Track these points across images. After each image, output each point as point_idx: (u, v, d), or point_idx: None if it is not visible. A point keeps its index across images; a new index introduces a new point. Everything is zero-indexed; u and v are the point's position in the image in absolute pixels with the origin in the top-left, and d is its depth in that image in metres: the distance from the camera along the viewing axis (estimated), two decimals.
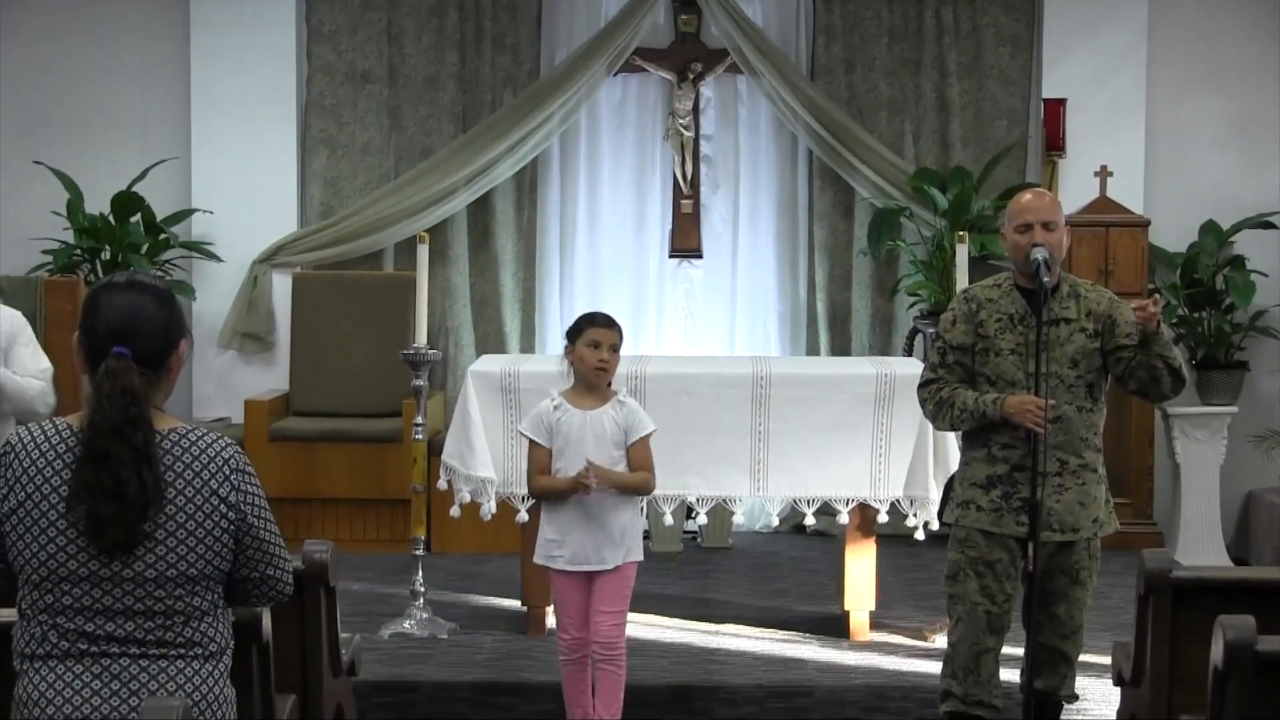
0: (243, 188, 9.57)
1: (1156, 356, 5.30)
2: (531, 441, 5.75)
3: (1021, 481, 5.30)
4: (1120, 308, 5.44)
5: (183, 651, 3.40)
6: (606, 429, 5.67)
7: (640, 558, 5.78)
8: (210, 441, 3.43)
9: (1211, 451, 9.09)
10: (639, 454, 5.71)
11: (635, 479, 5.68)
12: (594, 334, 5.70)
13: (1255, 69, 9.60)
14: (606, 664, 5.72)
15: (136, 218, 9.25)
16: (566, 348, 5.78)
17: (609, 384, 5.78)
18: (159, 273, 9.16)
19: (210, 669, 3.44)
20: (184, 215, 9.50)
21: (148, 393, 3.37)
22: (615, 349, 5.73)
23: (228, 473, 3.42)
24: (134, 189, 9.22)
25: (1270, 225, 9.25)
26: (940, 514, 6.84)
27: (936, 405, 5.45)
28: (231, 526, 3.43)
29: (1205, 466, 9.09)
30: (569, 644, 5.76)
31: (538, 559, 5.83)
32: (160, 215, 9.33)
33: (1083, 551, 5.41)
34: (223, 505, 3.41)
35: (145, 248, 9.20)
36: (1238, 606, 4.19)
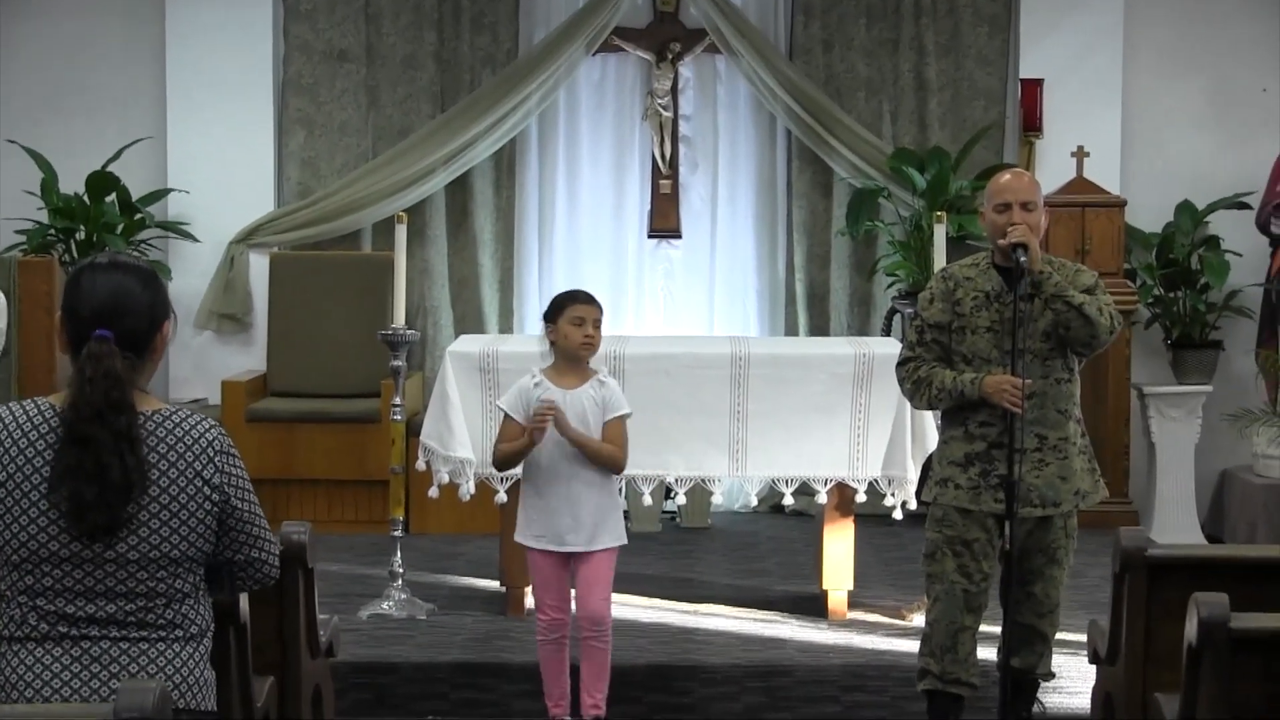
0: (219, 167, 9.54)
1: (1054, 299, 5.28)
2: (506, 415, 5.77)
3: (999, 459, 5.32)
4: (1081, 275, 5.42)
5: (163, 634, 3.40)
6: (586, 407, 5.71)
7: (624, 541, 5.81)
8: (194, 423, 3.43)
9: (1186, 430, 9.13)
10: (613, 432, 5.74)
11: (603, 448, 5.71)
12: (578, 310, 5.72)
13: (1231, 50, 9.62)
14: (594, 641, 5.74)
15: (112, 197, 9.21)
16: (548, 326, 5.78)
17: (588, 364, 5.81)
18: (135, 253, 9.13)
19: (191, 651, 3.44)
20: (160, 195, 9.47)
21: (130, 376, 3.36)
22: (598, 325, 5.76)
23: (211, 454, 3.42)
24: (109, 168, 9.19)
25: (1245, 205, 9.27)
26: (918, 493, 6.86)
27: (915, 384, 5.46)
28: (214, 508, 3.43)
29: (1180, 445, 9.13)
30: (547, 624, 5.78)
31: (518, 538, 5.84)
32: (136, 195, 9.30)
33: (1059, 530, 5.43)
34: (206, 487, 3.40)
35: (120, 228, 9.17)
36: (1212, 584, 4.21)
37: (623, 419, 5.77)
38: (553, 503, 5.71)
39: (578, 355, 5.74)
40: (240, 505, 3.47)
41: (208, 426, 3.44)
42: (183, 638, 3.43)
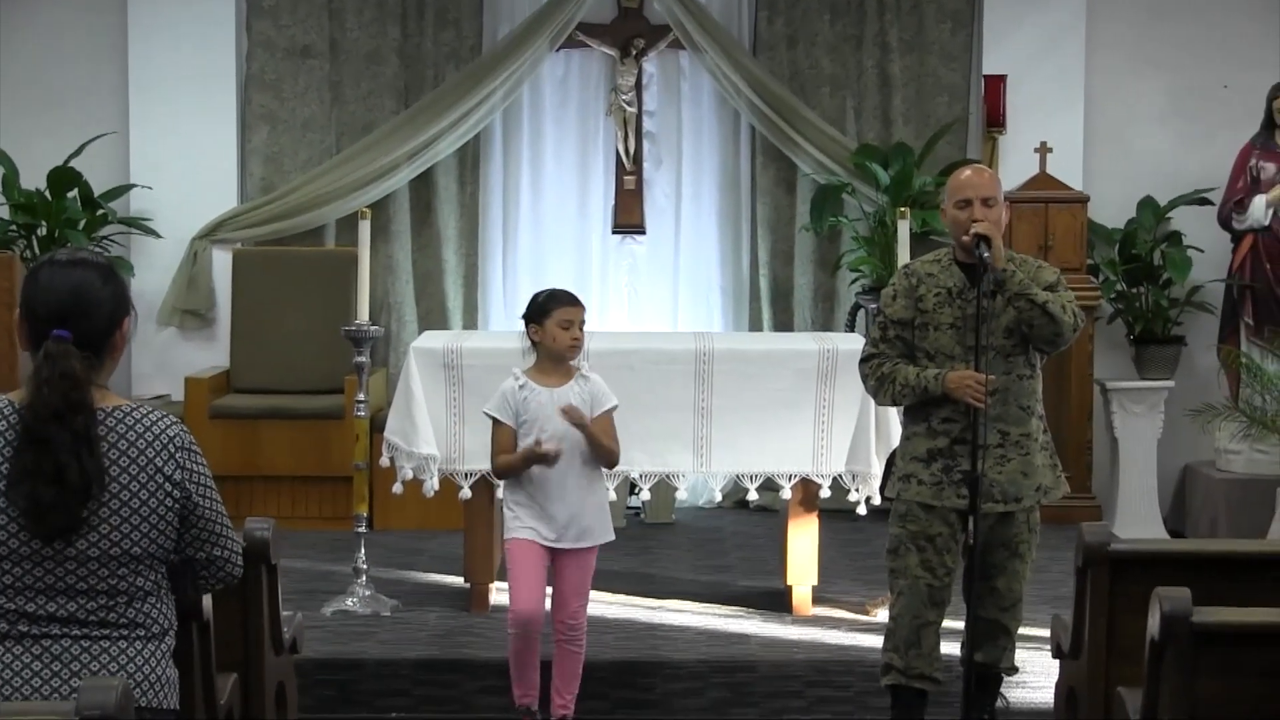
0: (182, 163, 9.50)
1: (1017, 297, 5.30)
2: (496, 422, 5.76)
3: (962, 455, 5.33)
4: (1043, 272, 5.44)
5: (125, 633, 3.39)
6: (573, 404, 5.69)
7: (610, 538, 5.83)
8: (155, 419, 3.41)
9: (1149, 425, 9.17)
10: (604, 426, 5.75)
11: (606, 441, 5.73)
12: (566, 314, 5.74)
13: (1193, 46, 9.66)
14: (569, 644, 5.76)
15: (74, 193, 9.16)
16: (530, 327, 5.77)
17: None
18: (96, 249, 9.09)
19: (153, 650, 3.42)
20: (122, 191, 9.42)
21: (88, 375, 3.34)
22: (583, 325, 5.79)
23: (172, 450, 3.40)
24: (71, 164, 9.12)
25: (1207, 201, 9.32)
26: (882, 489, 6.87)
27: (878, 381, 5.47)
28: (176, 505, 3.41)
29: (1143, 440, 9.17)
30: (519, 618, 5.73)
31: (510, 534, 5.76)
32: (98, 190, 9.25)
33: (1022, 525, 5.45)
34: (167, 483, 3.39)
35: (83, 223, 9.12)
36: (1174, 579, 4.23)
37: (611, 412, 5.79)
38: (548, 500, 5.70)
39: (565, 357, 5.75)
40: (202, 502, 3.45)
41: (169, 423, 3.43)
42: (144, 636, 3.41)
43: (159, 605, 3.45)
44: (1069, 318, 5.31)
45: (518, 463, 5.69)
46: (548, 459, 5.62)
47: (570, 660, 5.77)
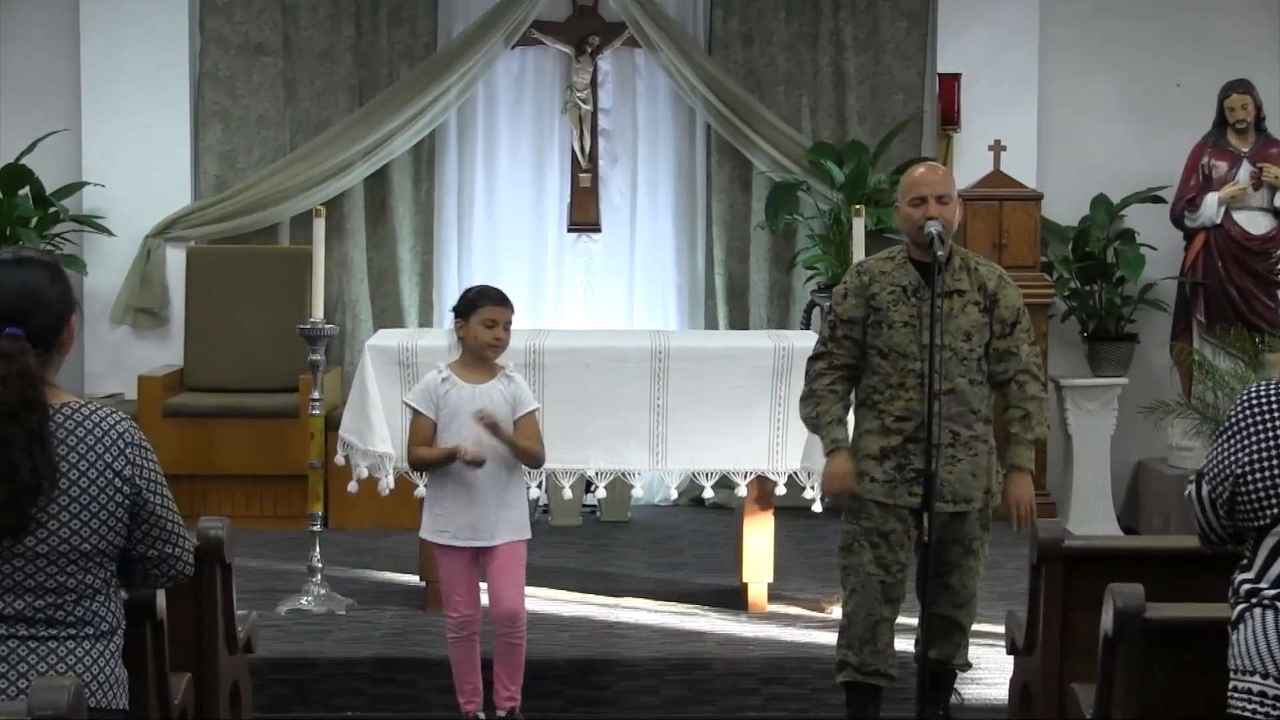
0: (135, 161, 9.45)
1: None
2: (416, 412, 5.75)
3: (915, 453, 5.34)
4: (1006, 288, 5.47)
5: (73, 631, 3.36)
6: (496, 403, 5.70)
7: (527, 535, 5.80)
8: (105, 416, 3.40)
9: (1102, 422, 9.21)
10: (529, 428, 5.76)
11: (529, 446, 5.73)
12: (491, 312, 5.72)
13: (1146, 44, 9.71)
14: (509, 638, 5.74)
15: (25, 191, 9.08)
16: (457, 321, 5.77)
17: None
18: (49, 247, 9.04)
19: (101, 649, 3.40)
20: (74, 188, 9.36)
21: (43, 374, 3.33)
22: (508, 326, 5.76)
23: (122, 446, 3.39)
24: (22, 161, 9.06)
25: (1160, 199, 9.36)
26: None
27: (809, 395, 5.51)
28: (126, 501, 3.39)
29: (1096, 437, 9.21)
30: (456, 621, 5.76)
31: (425, 535, 5.83)
32: (50, 188, 9.18)
33: (975, 521, 5.46)
34: (117, 479, 3.37)
35: (34, 221, 9.06)
36: (1128, 575, 4.25)
37: (534, 413, 5.79)
38: (460, 499, 5.70)
39: (485, 355, 5.74)
40: (152, 499, 3.44)
41: (118, 419, 3.41)
42: (93, 635, 3.39)
43: (107, 604, 3.43)
44: (1042, 384, 5.49)
45: (437, 460, 5.68)
46: (475, 464, 5.62)
47: (512, 654, 5.76)
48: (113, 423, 3.40)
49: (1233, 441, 3.75)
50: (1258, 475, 3.69)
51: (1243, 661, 3.69)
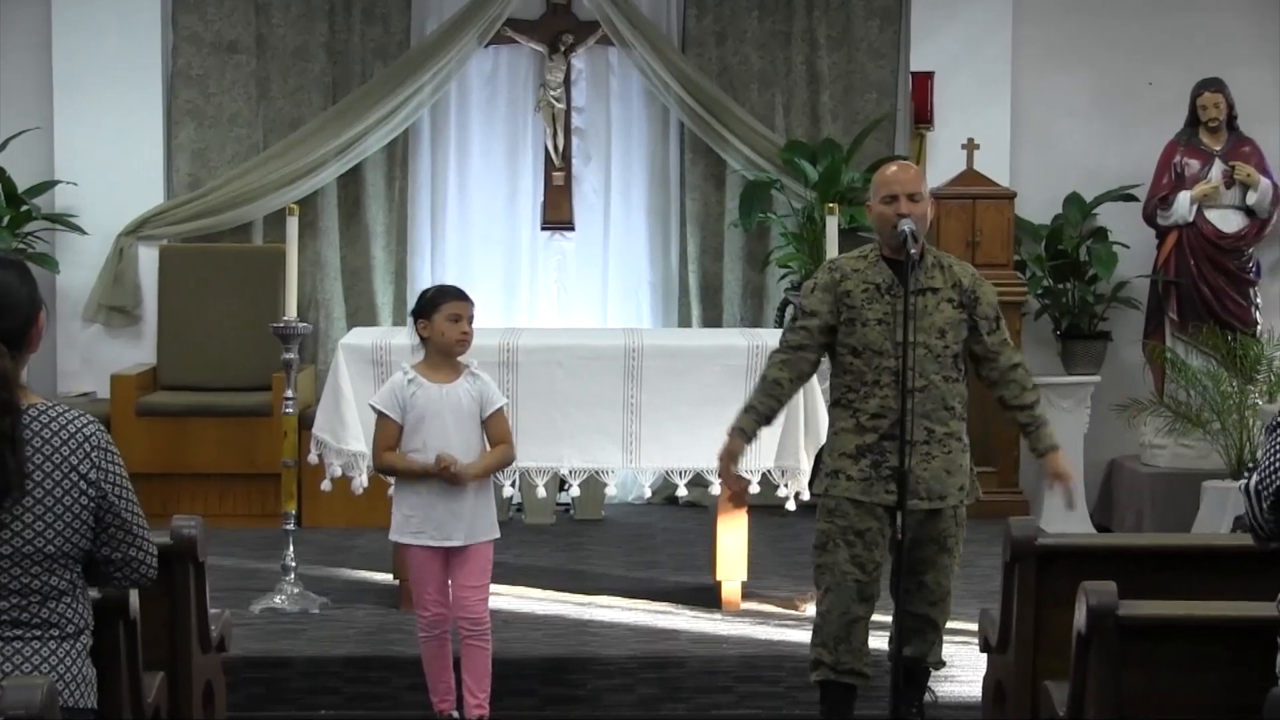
0: (107, 159, 9.42)
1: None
2: (381, 415, 5.74)
3: (890, 450, 5.34)
4: (983, 285, 5.48)
5: (39, 633, 3.35)
6: (464, 402, 5.69)
7: (497, 535, 5.79)
8: (72, 418, 3.39)
9: (1075, 420, 9.23)
10: (497, 427, 5.75)
11: (499, 458, 5.75)
12: (454, 308, 5.71)
13: (1118, 42, 9.74)
14: (474, 640, 5.72)
15: None
16: (419, 322, 5.76)
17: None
18: (21, 245, 9.01)
19: (68, 649, 3.39)
20: (47, 187, 9.33)
21: (17, 375, 3.32)
22: (472, 320, 5.76)
23: (89, 449, 3.38)
24: None
25: (1132, 197, 9.40)
26: (810, 485, 6.89)
27: (762, 378, 5.56)
28: (92, 504, 3.39)
29: (1069, 435, 9.20)
30: (428, 620, 5.76)
31: (395, 536, 5.82)
32: (22, 187, 9.16)
33: (950, 519, 5.46)
34: (83, 482, 3.36)
35: (6, 220, 9.04)
36: (1100, 572, 4.27)
37: (503, 409, 5.79)
38: (430, 499, 5.68)
39: (453, 352, 5.73)
40: (118, 502, 3.43)
41: (85, 422, 3.40)
42: (59, 636, 3.38)
43: (74, 605, 3.42)
44: (1030, 379, 5.59)
45: (416, 471, 5.67)
46: (461, 482, 5.62)
47: (479, 658, 5.74)
48: (79, 425, 3.39)
49: None
50: None
51: None
